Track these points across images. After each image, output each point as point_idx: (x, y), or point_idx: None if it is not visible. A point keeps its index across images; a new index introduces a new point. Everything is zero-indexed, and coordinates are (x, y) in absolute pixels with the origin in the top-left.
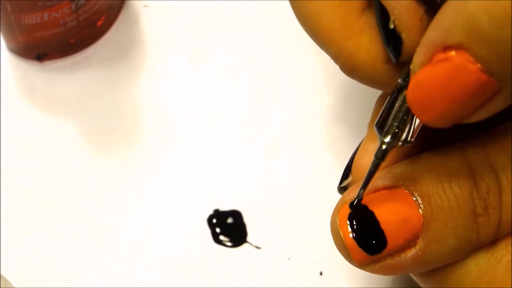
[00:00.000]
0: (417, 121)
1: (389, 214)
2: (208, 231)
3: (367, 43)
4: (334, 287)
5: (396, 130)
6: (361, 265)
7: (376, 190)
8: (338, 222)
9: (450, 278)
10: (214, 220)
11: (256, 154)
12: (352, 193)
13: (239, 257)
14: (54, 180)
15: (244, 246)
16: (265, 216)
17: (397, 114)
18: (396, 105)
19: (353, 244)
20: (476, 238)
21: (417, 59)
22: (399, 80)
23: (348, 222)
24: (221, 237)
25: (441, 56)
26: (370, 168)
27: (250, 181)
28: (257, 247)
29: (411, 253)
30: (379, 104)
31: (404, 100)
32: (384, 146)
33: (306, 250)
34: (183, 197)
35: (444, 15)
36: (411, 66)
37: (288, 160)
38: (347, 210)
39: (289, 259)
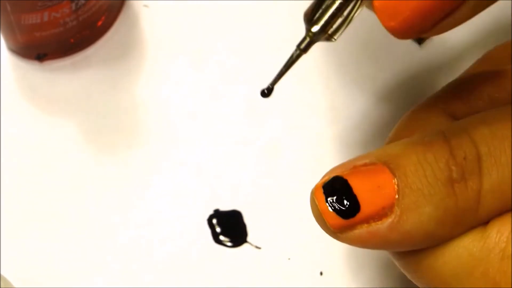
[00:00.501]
0: (349, 18)
1: (363, 181)
2: (208, 231)
3: None
4: (334, 287)
5: (325, 23)
6: (337, 231)
7: (354, 167)
8: (314, 193)
9: (437, 262)
10: (214, 220)
11: (256, 154)
12: (332, 171)
13: (239, 257)
14: (54, 180)
15: (244, 246)
16: (265, 216)
17: (329, 8)
18: None
19: (326, 209)
20: (455, 205)
21: None
22: None
23: (323, 190)
24: (221, 237)
25: None
26: (292, 55)
27: (250, 181)
28: (257, 247)
29: (387, 221)
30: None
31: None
32: (309, 37)
33: (306, 250)
34: (183, 197)
35: None
36: None
37: (288, 160)
38: (323, 182)
39: (289, 259)
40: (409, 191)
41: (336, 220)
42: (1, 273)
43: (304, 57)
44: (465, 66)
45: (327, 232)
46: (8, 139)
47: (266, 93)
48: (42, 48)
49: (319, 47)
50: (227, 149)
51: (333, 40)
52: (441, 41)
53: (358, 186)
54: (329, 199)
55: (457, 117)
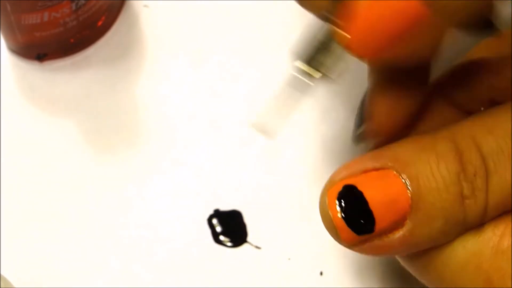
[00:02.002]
0: (334, 55)
1: (378, 194)
2: (208, 231)
3: None
4: (334, 287)
5: (311, 59)
6: (349, 244)
7: (365, 171)
8: (327, 202)
9: (437, 260)
10: (214, 220)
11: (256, 154)
12: (341, 174)
13: (239, 257)
14: (54, 180)
15: (244, 246)
16: (265, 216)
17: (315, 42)
18: (318, 34)
19: (342, 224)
20: (463, 220)
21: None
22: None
23: (337, 202)
24: (221, 237)
25: None
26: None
27: (250, 181)
28: (257, 247)
29: (398, 234)
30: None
31: (325, 30)
32: (296, 71)
33: (306, 250)
34: (183, 197)
35: None
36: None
37: (288, 160)
38: (336, 190)
39: (289, 259)
40: (423, 205)
41: (350, 235)
42: (1, 273)
43: None
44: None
45: (337, 241)
46: (8, 139)
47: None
48: (42, 48)
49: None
50: (227, 149)
51: (317, 76)
52: None
53: (374, 200)
54: (343, 213)
55: (459, 105)
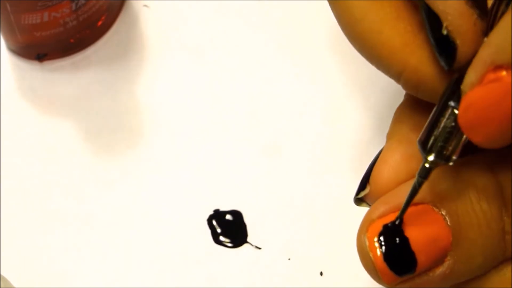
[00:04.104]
0: (462, 139)
1: (419, 233)
2: (208, 231)
3: (430, 56)
4: (334, 287)
5: (441, 148)
6: (390, 285)
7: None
8: (367, 243)
9: (472, 286)
10: (214, 221)
11: (256, 154)
12: (379, 210)
13: (239, 257)
14: (54, 180)
15: (244, 246)
16: (265, 216)
17: (442, 132)
18: (442, 122)
19: (383, 267)
20: (503, 255)
21: (468, 79)
22: (444, 98)
23: (377, 244)
24: (221, 238)
25: (491, 76)
26: (414, 186)
27: (250, 181)
28: (257, 247)
29: (439, 271)
30: (399, 114)
31: (450, 117)
32: (427, 165)
33: (306, 250)
34: (183, 197)
35: (496, 34)
36: (462, 87)
37: (288, 160)
38: (376, 230)
39: (289, 259)
40: (463, 242)
41: (392, 277)
42: (1, 273)
43: (304, 58)
44: None
45: (377, 282)
46: (8, 139)
47: (395, 225)
48: (42, 48)
49: (318, 48)
50: (227, 149)
51: (451, 163)
52: None
53: (415, 240)
54: (386, 256)
55: None
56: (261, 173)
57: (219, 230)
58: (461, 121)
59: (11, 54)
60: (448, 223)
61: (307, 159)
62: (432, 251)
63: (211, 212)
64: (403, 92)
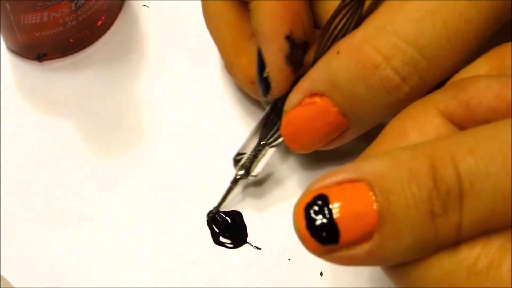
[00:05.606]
0: (263, 160)
1: (346, 206)
2: (208, 231)
3: (245, 64)
4: (334, 287)
5: (249, 167)
6: (315, 254)
7: (339, 183)
8: (296, 212)
9: (412, 274)
10: (214, 221)
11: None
12: (317, 184)
13: (239, 258)
14: (54, 180)
15: (244, 246)
16: (265, 216)
17: (251, 154)
18: (252, 146)
19: (306, 234)
20: (435, 238)
21: (290, 102)
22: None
23: (304, 213)
24: (221, 238)
25: (308, 100)
26: (227, 190)
27: (250, 181)
28: (257, 248)
29: (366, 247)
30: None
31: (258, 143)
32: (238, 177)
33: (306, 250)
34: (183, 197)
35: (313, 70)
36: (285, 107)
37: (288, 160)
38: (305, 201)
39: (289, 259)
40: (391, 220)
41: (315, 245)
42: (1, 273)
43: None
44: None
45: (306, 249)
46: (8, 139)
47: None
48: (42, 48)
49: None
50: (228, 149)
51: (251, 177)
52: None
53: (341, 213)
54: (308, 225)
55: (453, 120)
56: (261, 173)
57: (219, 231)
58: (283, 132)
59: (11, 54)
60: (378, 201)
61: (307, 159)
62: (357, 225)
63: (211, 213)
64: None
